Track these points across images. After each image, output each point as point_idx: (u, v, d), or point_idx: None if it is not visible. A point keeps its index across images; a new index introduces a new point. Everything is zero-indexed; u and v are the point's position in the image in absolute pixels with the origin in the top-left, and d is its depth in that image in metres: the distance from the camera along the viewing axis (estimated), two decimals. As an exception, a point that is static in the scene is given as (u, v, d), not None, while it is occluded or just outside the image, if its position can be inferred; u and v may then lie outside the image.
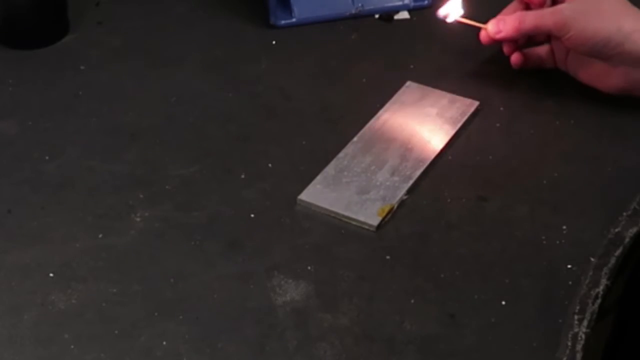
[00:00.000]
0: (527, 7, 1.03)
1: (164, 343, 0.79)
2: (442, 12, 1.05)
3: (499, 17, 1.02)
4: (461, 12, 1.05)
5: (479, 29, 1.03)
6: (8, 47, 1.09)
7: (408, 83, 1.04)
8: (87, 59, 1.08)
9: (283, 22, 1.12)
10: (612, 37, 0.95)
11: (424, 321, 0.81)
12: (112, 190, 0.92)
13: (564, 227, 0.89)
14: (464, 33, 1.12)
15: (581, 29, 0.96)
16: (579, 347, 0.80)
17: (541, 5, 1.01)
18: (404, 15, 1.15)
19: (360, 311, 0.82)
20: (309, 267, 0.85)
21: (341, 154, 0.95)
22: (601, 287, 0.84)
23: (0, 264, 0.85)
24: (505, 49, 1.04)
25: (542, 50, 1.04)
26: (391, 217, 0.90)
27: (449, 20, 1.05)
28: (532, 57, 1.04)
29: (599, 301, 0.83)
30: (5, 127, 0.99)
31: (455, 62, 1.07)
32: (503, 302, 0.83)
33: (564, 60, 1.02)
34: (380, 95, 1.02)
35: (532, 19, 0.99)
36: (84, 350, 0.79)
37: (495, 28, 1.01)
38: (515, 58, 1.03)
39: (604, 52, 0.96)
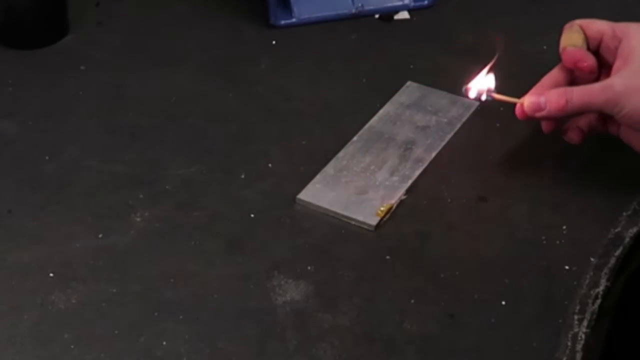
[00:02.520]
0: (571, 74, 0.91)
1: (164, 343, 0.79)
2: (472, 92, 0.93)
3: (537, 90, 0.90)
4: (492, 86, 0.93)
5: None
6: (8, 47, 1.09)
7: (408, 83, 1.04)
8: (87, 59, 1.08)
9: (283, 22, 1.12)
10: None
11: (424, 321, 0.81)
12: (112, 190, 0.92)
13: (564, 227, 0.89)
14: (464, 33, 1.12)
15: (634, 107, 0.85)
16: (579, 347, 0.80)
17: (592, 74, 0.90)
18: (404, 15, 1.15)
19: (360, 311, 0.82)
20: (309, 267, 0.85)
21: (341, 154, 0.95)
22: (601, 287, 0.84)
23: (0, 264, 0.85)
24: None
25: (592, 116, 0.92)
26: (391, 217, 0.90)
27: (483, 98, 0.93)
28: (581, 124, 0.93)
29: (599, 301, 0.83)
30: (5, 127, 0.99)
31: (455, 62, 1.07)
32: (503, 302, 0.83)
33: (616, 128, 0.92)
34: (380, 95, 1.02)
35: (580, 97, 0.86)
36: (84, 350, 0.79)
37: (534, 106, 0.88)
38: (575, 136, 0.92)
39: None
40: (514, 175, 0.94)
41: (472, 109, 1.00)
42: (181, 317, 0.81)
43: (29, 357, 0.78)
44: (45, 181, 0.93)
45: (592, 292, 0.84)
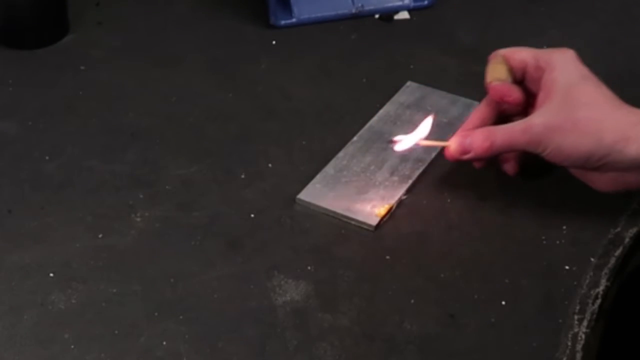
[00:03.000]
0: (499, 106, 0.91)
1: (164, 343, 0.79)
2: (399, 145, 0.93)
3: (463, 132, 0.90)
4: (419, 136, 0.93)
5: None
6: (8, 47, 1.09)
7: (408, 83, 1.04)
8: (87, 59, 1.08)
9: (283, 22, 1.12)
10: (593, 152, 0.84)
11: (424, 321, 0.81)
12: (112, 190, 0.92)
13: (564, 227, 0.89)
14: (464, 33, 1.12)
15: (557, 146, 0.85)
16: (579, 347, 0.80)
17: (519, 106, 0.90)
18: (404, 15, 1.15)
19: (360, 311, 0.82)
20: (309, 267, 0.85)
21: (341, 154, 0.95)
22: (601, 287, 0.84)
23: (0, 264, 0.85)
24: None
25: None
26: (391, 217, 0.90)
27: (409, 146, 0.92)
28: (515, 156, 0.92)
29: (599, 301, 0.83)
30: (5, 127, 0.99)
31: (455, 62, 1.07)
32: (503, 302, 0.83)
33: None
34: (380, 95, 1.02)
35: (503, 139, 0.87)
36: (84, 350, 0.79)
37: (460, 148, 0.88)
38: (511, 168, 0.92)
39: (588, 165, 0.85)
40: (514, 175, 0.94)
41: (472, 109, 1.00)
42: (181, 317, 0.81)
43: (29, 357, 0.78)
44: (45, 181, 0.93)
45: (592, 292, 0.84)
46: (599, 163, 0.85)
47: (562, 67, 0.88)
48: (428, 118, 0.94)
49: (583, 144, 0.84)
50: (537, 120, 0.86)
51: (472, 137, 0.88)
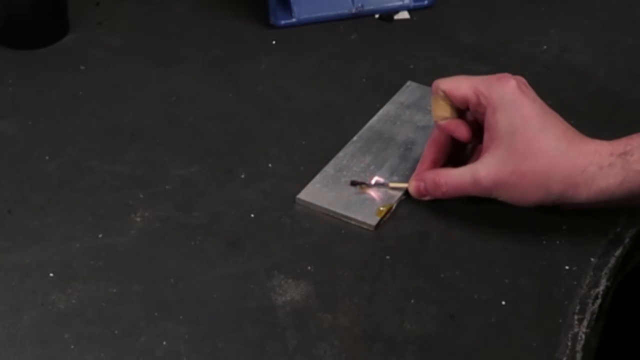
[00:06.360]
0: (449, 138, 0.91)
1: (164, 343, 0.79)
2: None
3: (417, 176, 0.91)
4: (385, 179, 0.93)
5: None
6: (8, 47, 1.09)
7: (408, 83, 1.04)
8: (87, 59, 1.08)
9: (283, 22, 1.13)
10: (543, 200, 0.86)
11: (424, 321, 0.81)
12: (112, 190, 0.92)
13: (564, 227, 0.89)
14: (464, 33, 1.12)
15: (507, 197, 0.86)
16: (579, 347, 0.80)
17: (470, 139, 0.90)
18: (404, 15, 1.15)
19: (360, 311, 0.82)
20: (309, 267, 0.85)
21: (341, 154, 0.95)
22: (601, 287, 0.84)
23: (0, 264, 0.85)
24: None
25: None
26: (391, 217, 0.90)
27: (373, 182, 0.93)
28: None
29: (599, 301, 0.83)
30: (5, 127, 0.99)
31: (455, 62, 1.07)
32: (503, 302, 0.83)
33: None
34: (380, 95, 1.02)
35: (454, 187, 0.88)
36: (84, 350, 0.79)
37: (417, 193, 0.91)
38: None
39: (542, 206, 0.87)
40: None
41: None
42: (181, 317, 0.81)
43: (29, 357, 0.78)
44: (45, 181, 0.93)
45: (592, 292, 0.84)
46: (552, 205, 0.87)
47: (503, 109, 0.87)
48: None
49: (532, 195, 0.86)
50: (483, 172, 0.86)
51: (426, 183, 0.90)
